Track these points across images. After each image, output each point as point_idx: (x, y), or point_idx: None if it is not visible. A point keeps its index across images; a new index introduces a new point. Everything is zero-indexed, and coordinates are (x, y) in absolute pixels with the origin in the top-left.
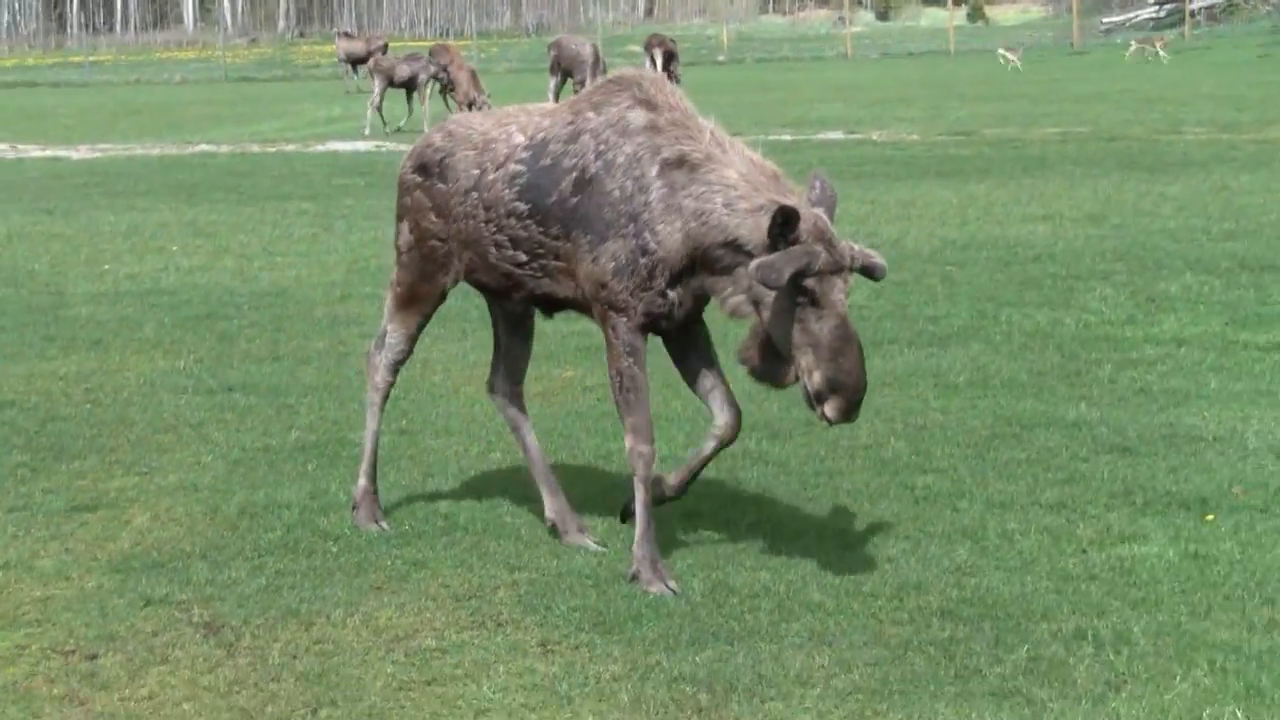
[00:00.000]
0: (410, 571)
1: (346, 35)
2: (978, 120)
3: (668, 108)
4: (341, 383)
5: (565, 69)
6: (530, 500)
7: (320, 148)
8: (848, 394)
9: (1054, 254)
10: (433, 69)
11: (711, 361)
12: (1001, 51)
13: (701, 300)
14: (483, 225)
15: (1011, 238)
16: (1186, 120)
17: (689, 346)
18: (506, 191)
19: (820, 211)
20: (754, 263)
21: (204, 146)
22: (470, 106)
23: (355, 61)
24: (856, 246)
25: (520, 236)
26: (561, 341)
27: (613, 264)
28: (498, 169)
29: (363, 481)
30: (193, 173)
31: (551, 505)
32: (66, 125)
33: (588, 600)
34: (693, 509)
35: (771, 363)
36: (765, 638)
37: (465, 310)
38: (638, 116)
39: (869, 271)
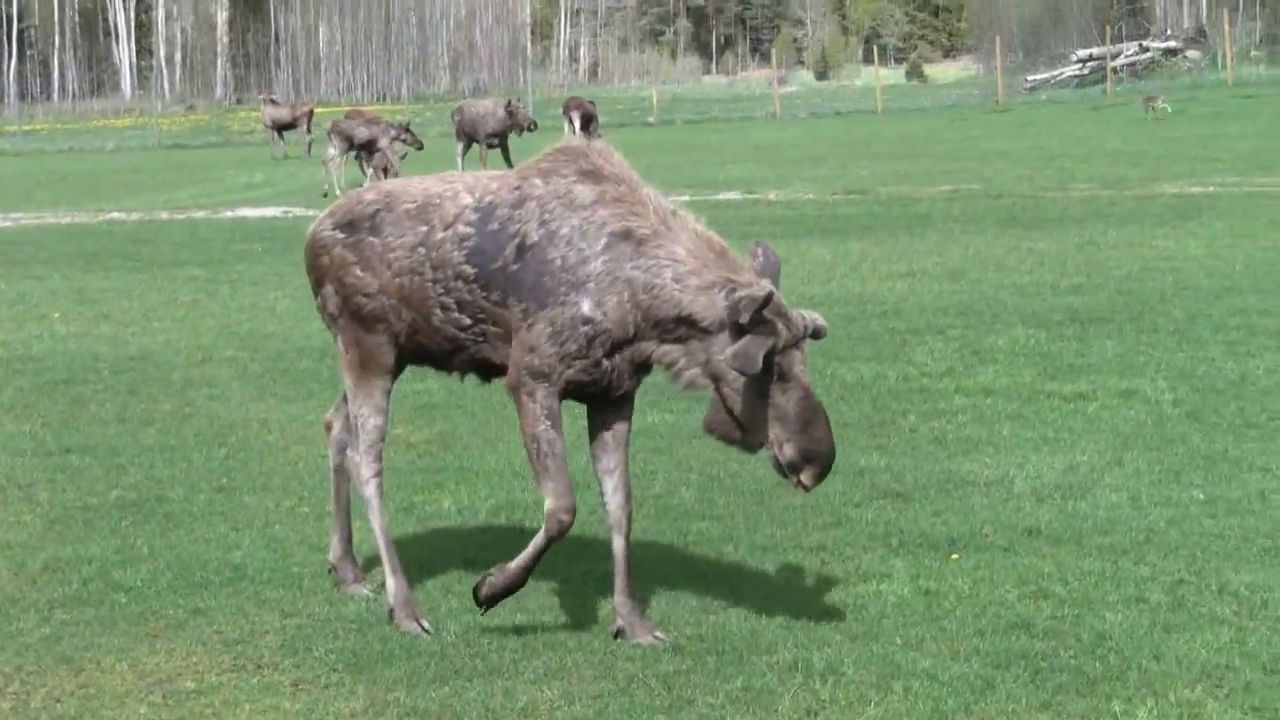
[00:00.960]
0: (189, 619)
1: (273, 102)
2: (878, 179)
3: (614, 180)
4: (178, 443)
5: (469, 133)
6: (322, 550)
7: (229, 214)
8: (821, 462)
9: (900, 310)
10: (393, 132)
11: (622, 443)
12: (1144, 100)
13: (642, 371)
14: (429, 285)
15: (867, 294)
16: (1078, 177)
17: (611, 419)
18: (455, 253)
19: (767, 283)
20: (728, 352)
21: (115, 214)
22: (385, 174)
23: (281, 128)
24: (806, 314)
25: (465, 300)
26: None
27: (548, 329)
28: (446, 228)
29: (392, 582)
30: (96, 240)
31: (336, 550)
32: None
33: (347, 643)
34: (472, 556)
35: (738, 431)
36: (504, 674)
37: (317, 370)
38: (584, 191)
39: (815, 334)
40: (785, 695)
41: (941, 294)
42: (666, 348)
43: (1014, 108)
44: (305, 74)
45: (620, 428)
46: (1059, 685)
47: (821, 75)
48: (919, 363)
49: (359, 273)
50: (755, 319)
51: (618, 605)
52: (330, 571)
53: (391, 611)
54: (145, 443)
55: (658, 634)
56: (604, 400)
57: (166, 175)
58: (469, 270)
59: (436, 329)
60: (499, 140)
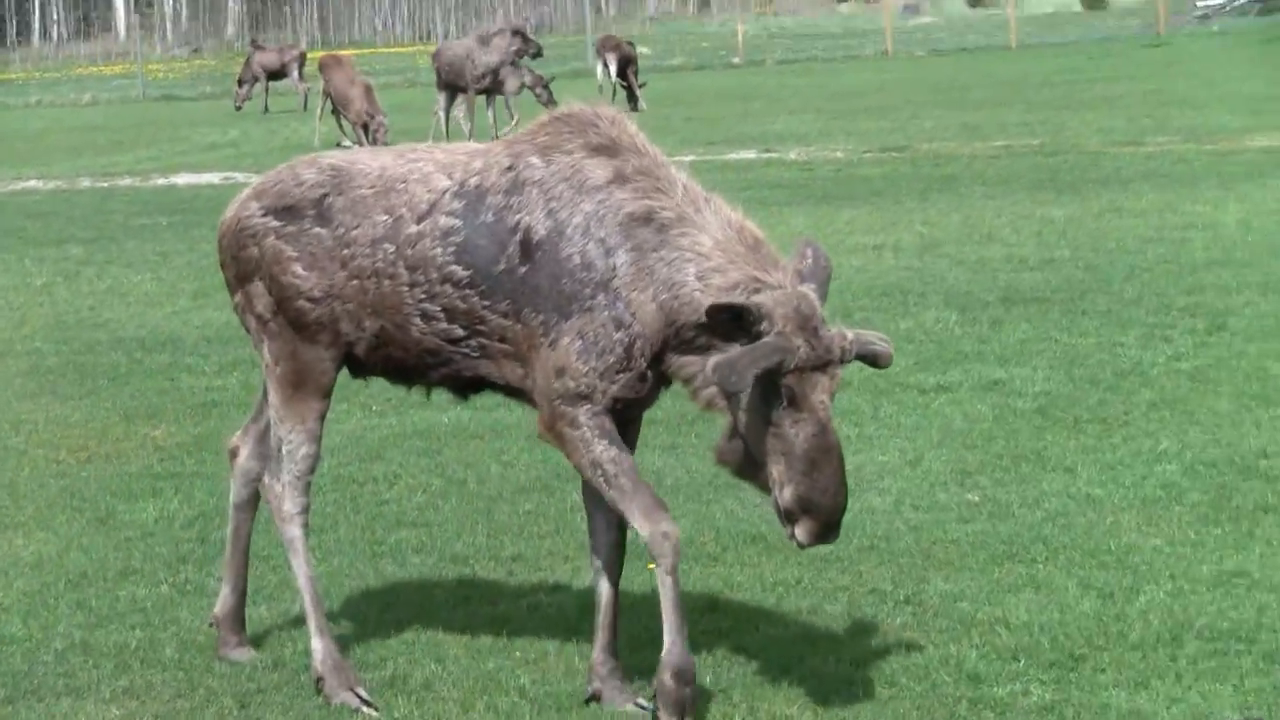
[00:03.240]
0: None
1: (258, 46)
2: (933, 133)
3: (633, 152)
4: None
5: (448, 81)
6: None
7: (161, 181)
8: (821, 516)
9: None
10: (528, 78)
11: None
12: None
13: (658, 389)
14: (405, 289)
15: None
16: (1169, 128)
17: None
18: (439, 251)
19: (808, 289)
20: (711, 360)
21: (31, 183)
22: (365, 129)
23: (271, 75)
24: (850, 333)
25: (458, 308)
26: (159, 397)
27: (579, 343)
28: (420, 219)
29: (317, 644)
30: None
31: (225, 603)
32: None
33: None
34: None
35: (753, 465)
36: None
37: (117, 366)
38: (597, 169)
39: (872, 360)
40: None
41: (888, 270)
42: (687, 359)
43: (1174, 40)
44: (334, 10)
45: (629, 443)
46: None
47: (975, 2)
48: None
49: (300, 271)
50: (726, 332)
51: (596, 664)
52: (211, 626)
53: (319, 681)
54: None
55: (639, 701)
56: (620, 421)
57: (129, 134)
58: (459, 272)
59: (416, 340)
60: (495, 83)
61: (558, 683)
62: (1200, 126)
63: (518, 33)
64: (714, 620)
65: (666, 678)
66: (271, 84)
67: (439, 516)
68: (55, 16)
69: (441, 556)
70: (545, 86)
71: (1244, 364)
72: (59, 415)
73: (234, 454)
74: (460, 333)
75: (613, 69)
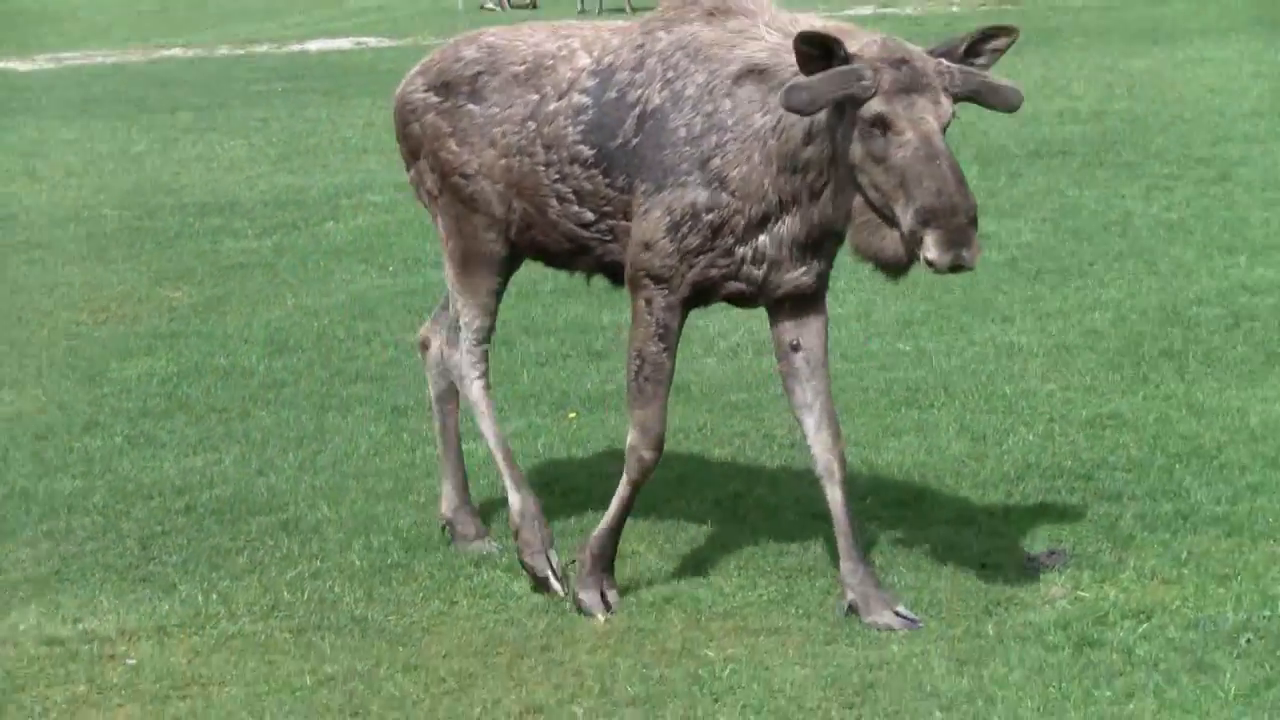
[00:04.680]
0: None
1: None
2: None
3: (738, 12)
4: None
5: None
6: None
7: (295, 47)
8: (942, 219)
9: None
10: None
11: (819, 364)
12: None
13: (817, 254)
14: (541, 169)
15: None
16: None
17: (797, 332)
18: (570, 129)
19: (881, 35)
20: (783, 87)
21: (173, 51)
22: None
23: None
24: (960, 68)
25: (585, 190)
26: (195, 259)
27: (667, 219)
28: (560, 97)
29: (514, 498)
30: (117, 83)
31: (450, 500)
32: (67, 29)
33: None
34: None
35: (882, 238)
36: None
37: (167, 229)
38: (706, 34)
39: (989, 97)
40: None
41: None
42: (831, 186)
43: None
44: None
45: (811, 344)
46: None
47: None
48: None
49: (454, 147)
50: (811, 67)
51: (844, 575)
52: (444, 529)
53: (516, 534)
54: None
55: (899, 609)
56: (778, 307)
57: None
58: (586, 152)
59: (554, 224)
60: None
61: (431, 525)
62: None
63: None
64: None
65: (587, 553)
66: None
67: (396, 371)
68: None
69: (382, 409)
70: None
71: (1228, 214)
72: (96, 278)
73: (425, 345)
74: (590, 216)
75: None
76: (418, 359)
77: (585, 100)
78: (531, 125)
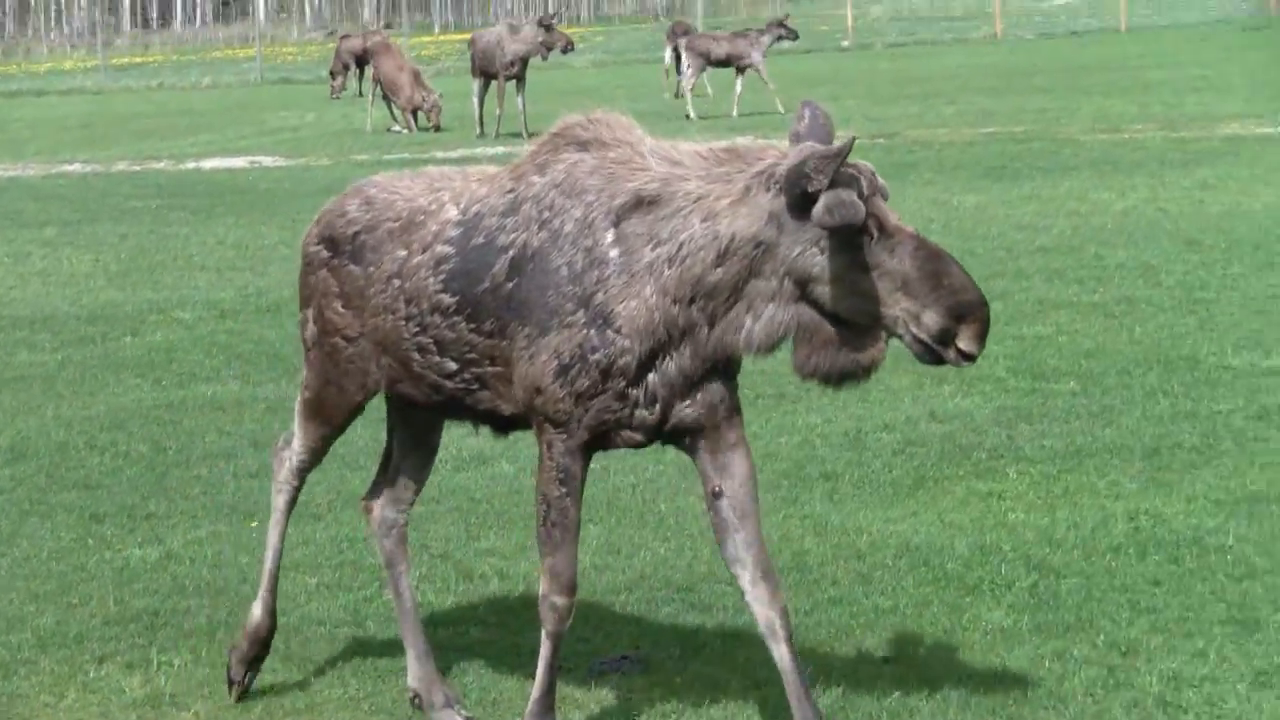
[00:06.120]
0: None
1: (345, 36)
2: (945, 119)
3: (615, 144)
4: None
5: (484, 69)
6: None
7: (191, 165)
8: (976, 314)
9: None
10: (766, 40)
11: (746, 509)
12: None
13: (712, 374)
14: (403, 324)
15: None
16: (1148, 116)
17: (717, 476)
18: (431, 280)
19: (810, 144)
20: (818, 209)
21: (71, 166)
22: (415, 114)
23: (360, 62)
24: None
25: (447, 339)
26: None
27: (555, 362)
28: (424, 250)
29: (257, 612)
30: (12, 197)
31: (415, 670)
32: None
33: None
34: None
35: (845, 350)
36: None
37: None
38: (585, 165)
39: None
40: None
41: None
42: (728, 318)
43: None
44: None
45: (735, 491)
46: None
47: None
48: None
49: (339, 309)
50: (800, 200)
51: None
52: (413, 700)
53: (236, 647)
54: None
55: None
56: (693, 450)
57: (207, 118)
58: (447, 300)
59: (419, 376)
60: (522, 70)
61: (65, 621)
62: (1190, 113)
63: (543, 24)
64: None
65: None
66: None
67: (112, 480)
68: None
69: (82, 515)
70: None
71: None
72: None
73: (369, 511)
74: (453, 366)
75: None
76: (365, 527)
77: (448, 250)
78: (396, 282)
